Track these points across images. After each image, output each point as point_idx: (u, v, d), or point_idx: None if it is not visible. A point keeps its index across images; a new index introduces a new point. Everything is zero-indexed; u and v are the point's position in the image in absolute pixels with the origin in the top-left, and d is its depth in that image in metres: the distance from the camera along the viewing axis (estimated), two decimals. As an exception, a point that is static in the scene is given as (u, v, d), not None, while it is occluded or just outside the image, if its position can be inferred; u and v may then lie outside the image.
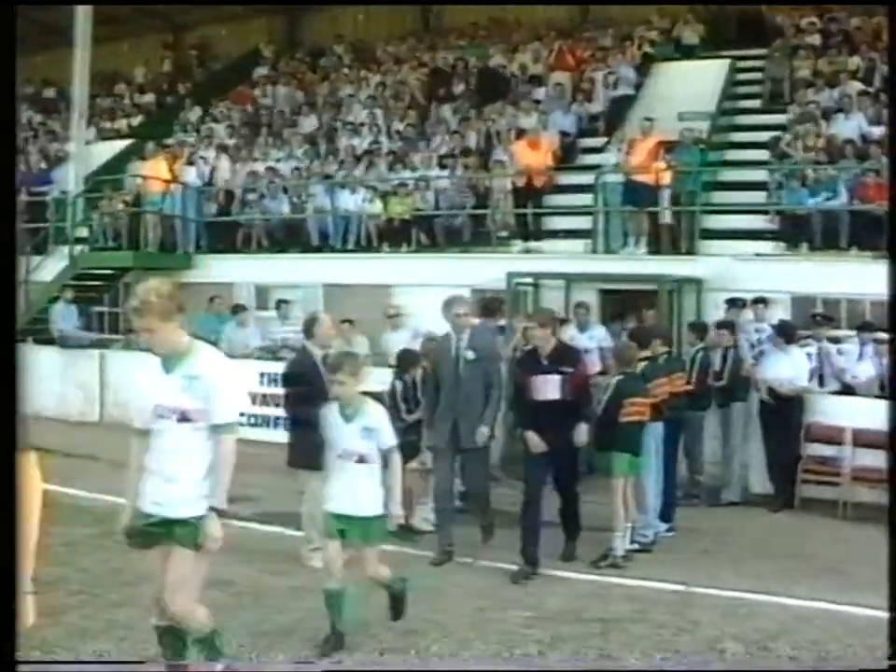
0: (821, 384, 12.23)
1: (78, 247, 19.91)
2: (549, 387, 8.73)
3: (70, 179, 22.06)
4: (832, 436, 11.61)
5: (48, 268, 19.53)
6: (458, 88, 22.11)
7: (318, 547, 8.45)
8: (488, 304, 12.97)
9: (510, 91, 21.23)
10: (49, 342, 17.88)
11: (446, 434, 9.19)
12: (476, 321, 10.52)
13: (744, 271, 14.20)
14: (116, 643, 6.60)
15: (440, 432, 9.25)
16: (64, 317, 18.09)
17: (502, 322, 13.24)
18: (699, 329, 12.36)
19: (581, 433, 8.68)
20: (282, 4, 28.38)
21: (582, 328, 13.69)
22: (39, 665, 5.94)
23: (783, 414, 11.58)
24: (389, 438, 6.67)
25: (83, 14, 22.22)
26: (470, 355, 9.05)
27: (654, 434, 9.53)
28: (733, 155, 17.56)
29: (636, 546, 9.31)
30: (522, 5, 25.40)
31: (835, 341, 12.95)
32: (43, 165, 24.16)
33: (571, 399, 8.70)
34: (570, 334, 12.93)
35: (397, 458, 6.66)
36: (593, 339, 13.56)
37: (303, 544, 8.76)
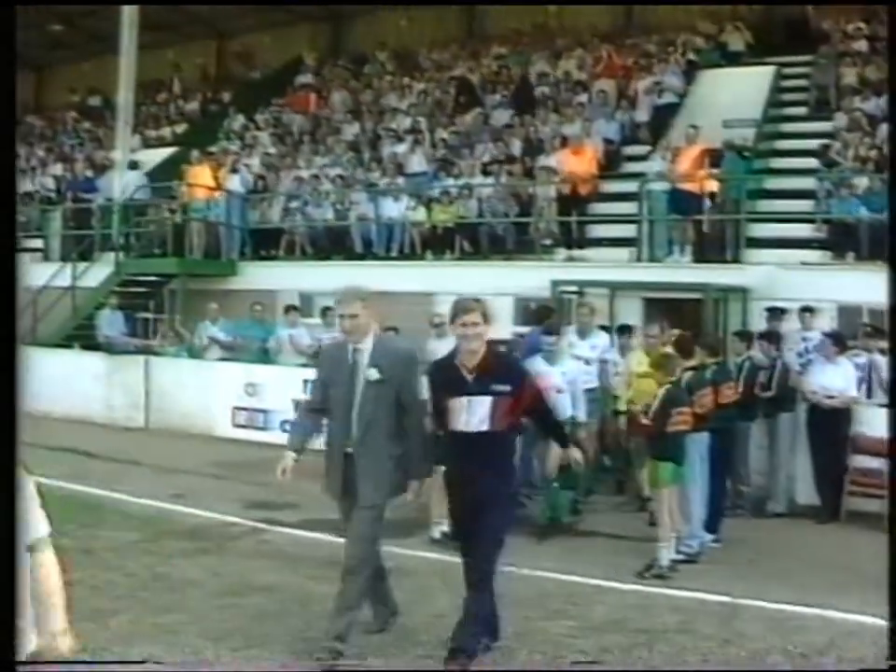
0: (869, 395, 12.09)
1: (124, 254, 20.10)
2: (473, 414, 6.35)
3: (115, 186, 22.29)
4: (878, 448, 11.47)
5: (94, 275, 19.73)
6: (494, 97, 22.12)
7: None
8: (538, 312, 12.85)
9: (542, 101, 21.23)
10: (96, 347, 18.05)
11: (339, 483, 6.72)
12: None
13: (789, 279, 14.11)
14: (164, 647, 6.62)
15: (332, 479, 6.78)
16: (110, 324, 18.25)
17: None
18: (745, 338, 12.27)
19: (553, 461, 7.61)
20: (324, 4, 28.36)
21: (583, 333, 12.48)
22: (39, 665, 5.96)
23: (831, 425, 11.45)
24: None
25: (129, 22, 22.44)
26: (374, 374, 6.57)
27: (700, 444, 9.46)
28: (778, 163, 17.45)
29: (681, 557, 9.24)
30: (566, 5, 25.38)
31: (884, 352, 12.81)
32: (89, 173, 24.34)
33: (505, 430, 6.47)
34: (569, 340, 12.04)
35: None
36: (595, 348, 12.37)
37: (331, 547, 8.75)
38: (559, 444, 7.32)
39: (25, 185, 25.71)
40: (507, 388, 6.34)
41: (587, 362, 11.65)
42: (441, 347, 13.79)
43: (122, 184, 22.03)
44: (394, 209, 18.54)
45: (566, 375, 10.53)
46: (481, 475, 6.33)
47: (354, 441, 6.61)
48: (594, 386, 11.79)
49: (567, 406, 10.28)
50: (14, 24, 3.34)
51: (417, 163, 20.03)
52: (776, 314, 13.20)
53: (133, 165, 22.90)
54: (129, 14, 22.54)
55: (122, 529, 10.01)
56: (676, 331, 11.46)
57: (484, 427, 6.34)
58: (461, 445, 6.40)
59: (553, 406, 7.23)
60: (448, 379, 6.43)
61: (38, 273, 20.45)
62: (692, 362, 9.81)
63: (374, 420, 6.57)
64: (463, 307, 6.30)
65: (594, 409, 11.59)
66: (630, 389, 10.79)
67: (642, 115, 19.49)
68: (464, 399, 6.34)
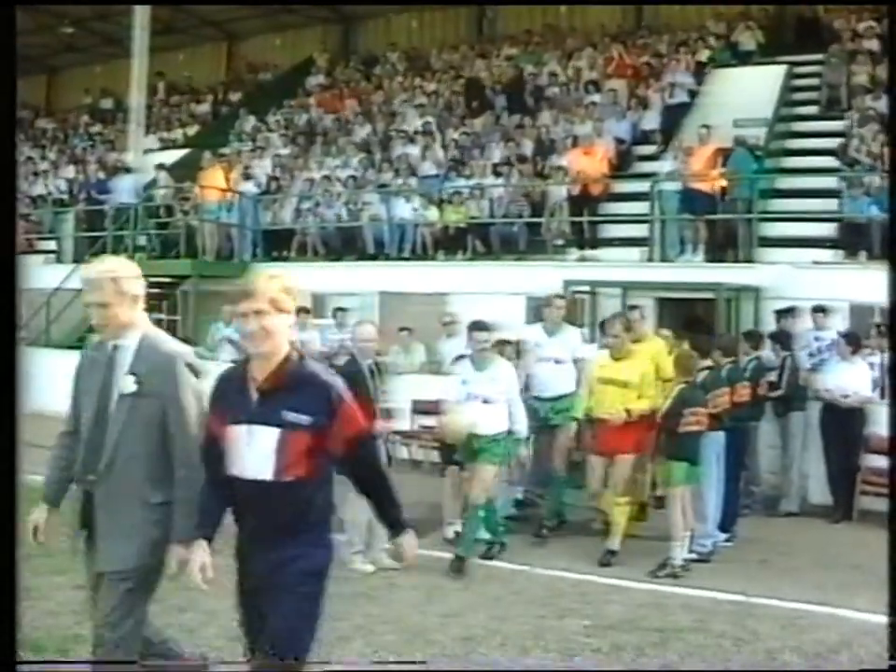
0: (883, 395, 12.08)
1: (137, 256, 20.15)
2: (253, 452, 4.20)
3: (128, 188, 22.40)
4: (890, 447, 11.45)
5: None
6: (504, 98, 22.16)
7: (360, 550, 8.58)
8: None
9: (552, 101, 21.26)
10: (109, 349, 18.08)
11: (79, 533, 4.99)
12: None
13: (802, 279, 14.09)
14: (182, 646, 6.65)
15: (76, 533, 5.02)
16: (123, 325, 18.29)
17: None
18: (753, 338, 12.26)
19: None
20: (334, 4, 28.35)
21: (550, 331, 10.66)
22: (39, 665, 6.01)
23: (844, 425, 11.46)
24: None
25: (140, 24, 22.57)
26: (129, 385, 4.74)
27: (716, 444, 9.48)
28: (790, 162, 17.43)
29: (694, 556, 9.26)
30: (576, 5, 25.40)
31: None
32: (101, 175, 24.43)
33: (303, 481, 4.22)
34: (535, 340, 10.69)
35: None
36: (565, 346, 10.57)
37: (346, 547, 8.79)
38: (385, 523, 4.63)
39: (38, 187, 25.83)
40: (305, 418, 4.17)
41: (557, 362, 10.48)
42: (451, 347, 13.88)
43: (120, 188, 22.17)
44: (406, 210, 18.56)
45: (494, 383, 9.12)
46: (262, 549, 4.28)
47: (96, 478, 4.80)
48: (567, 391, 10.35)
49: (503, 418, 9.19)
50: (14, 24, 3.36)
51: (429, 165, 20.03)
52: (787, 313, 13.19)
53: (128, 170, 23.00)
54: (140, 17, 22.68)
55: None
56: (666, 332, 11.54)
57: (266, 475, 4.18)
58: (240, 499, 4.31)
59: (377, 455, 4.63)
60: (229, 396, 4.35)
61: (51, 275, 20.54)
62: (707, 362, 9.82)
63: (125, 450, 4.71)
64: (243, 290, 4.27)
65: (566, 415, 10.18)
66: (591, 397, 9.73)
67: (653, 114, 19.44)
68: (243, 429, 4.23)
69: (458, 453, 9.39)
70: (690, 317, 13.56)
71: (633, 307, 12.29)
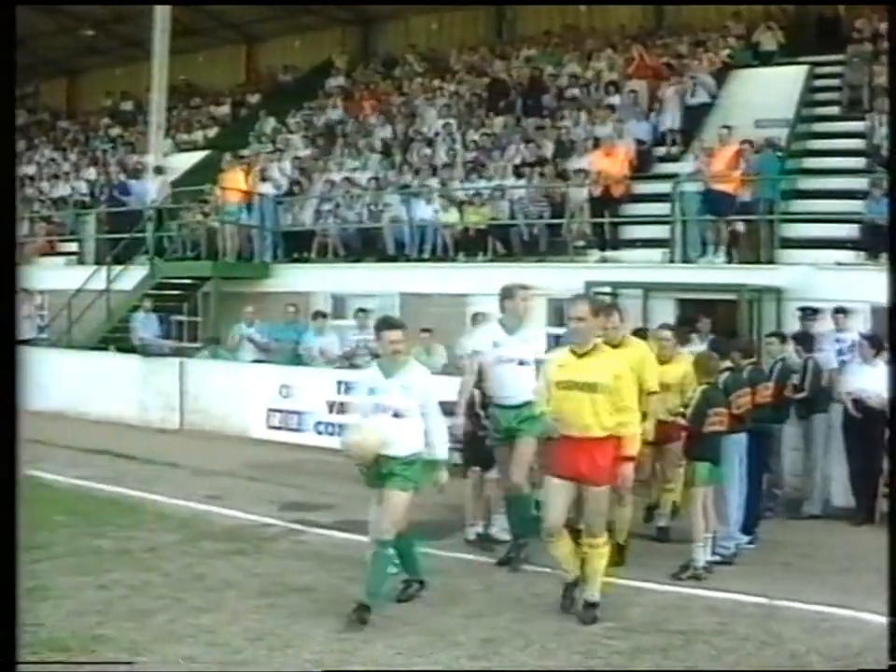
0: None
1: (158, 258, 20.25)
2: None
3: (149, 190, 22.51)
4: (890, 449, 11.37)
5: (128, 278, 19.90)
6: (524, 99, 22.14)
7: None
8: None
9: (571, 102, 21.24)
10: (131, 350, 18.20)
11: None
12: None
13: (823, 280, 14.04)
14: (203, 647, 6.68)
15: None
16: (145, 326, 18.44)
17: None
18: (778, 339, 12.21)
19: None
20: (353, 4, 28.37)
21: (510, 329, 9.25)
22: (39, 665, 6.04)
23: (867, 427, 11.36)
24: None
25: (160, 27, 22.65)
26: None
27: (738, 445, 9.44)
28: (812, 163, 17.36)
29: (717, 558, 9.22)
30: (596, 4, 25.35)
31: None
32: (122, 177, 24.53)
33: None
34: (495, 338, 9.28)
35: None
36: (526, 341, 9.27)
37: (369, 548, 8.77)
38: None
39: (59, 189, 25.96)
40: None
41: (521, 363, 9.09)
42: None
43: (149, 189, 22.28)
44: (426, 211, 18.57)
45: (407, 392, 7.66)
46: None
47: None
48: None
49: (418, 436, 7.70)
50: (14, 24, 3.38)
51: (448, 166, 20.04)
52: (808, 314, 13.14)
53: (159, 170, 23.10)
54: (161, 19, 22.76)
55: (159, 530, 10.10)
56: (666, 332, 10.46)
57: None
58: None
59: None
60: None
61: (73, 277, 20.66)
62: (727, 363, 9.79)
63: None
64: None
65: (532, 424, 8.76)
66: (547, 404, 7.81)
67: (674, 115, 19.37)
68: None
69: (364, 476, 7.79)
70: (688, 317, 13.51)
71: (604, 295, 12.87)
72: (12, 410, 3.07)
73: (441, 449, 7.76)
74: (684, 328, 11.55)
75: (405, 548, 7.84)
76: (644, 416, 8.66)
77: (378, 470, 7.58)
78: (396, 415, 7.59)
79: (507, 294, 9.27)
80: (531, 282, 9.31)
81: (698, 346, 12.07)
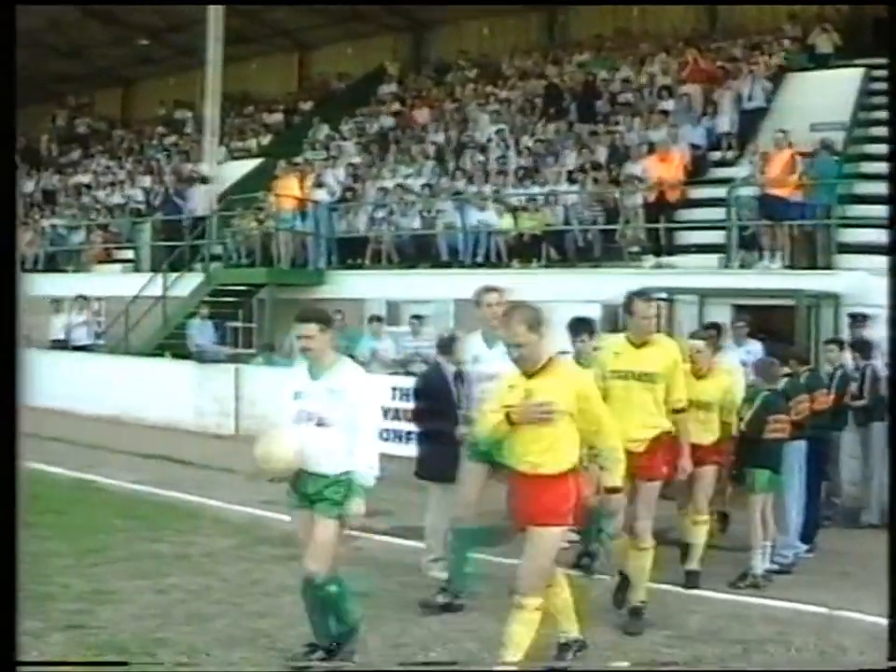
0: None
1: (213, 265, 20.43)
2: None
3: (204, 198, 22.72)
4: (891, 452, 11.20)
5: (184, 285, 20.10)
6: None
7: (439, 558, 8.50)
8: None
9: (625, 107, 21.16)
10: (186, 356, 18.37)
11: None
12: None
13: (881, 286, 13.85)
14: (262, 651, 6.72)
15: None
16: (201, 333, 18.60)
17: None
18: (837, 345, 12.10)
19: None
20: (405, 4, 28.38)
21: (490, 341, 7.83)
22: (39, 665, 6.08)
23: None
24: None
25: (214, 35, 22.86)
26: None
27: (798, 452, 9.36)
28: (869, 167, 17.17)
29: (775, 566, 9.15)
30: (649, 4, 25.22)
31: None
32: (177, 185, 24.76)
33: None
34: (475, 352, 8.07)
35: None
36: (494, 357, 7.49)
37: (425, 554, 8.79)
38: None
39: (115, 197, 26.26)
40: None
41: (490, 379, 7.41)
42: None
43: (196, 198, 22.51)
44: (480, 217, 18.58)
45: (334, 398, 6.34)
46: None
47: None
48: None
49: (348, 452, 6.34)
50: (14, 24, 3.39)
51: (502, 172, 20.04)
52: (859, 320, 13.00)
53: (204, 180, 23.32)
54: (214, 28, 22.97)
55: (216, 535, 10.17)
56: (700, 342, 9.03)
57: None
58: None
59: None
60: None
61: (129, 284, 20.89)
62: (786, 369, 9.71)
63: None
64: None
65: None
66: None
67: (729, 119, 19.25)
68: None
69: (289, 497, 6.54)
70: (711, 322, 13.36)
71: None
72: (12, 410, 3.10)
73: (363, 471, 6.28)
74: (710, 332, 10.25)
75: (335, 594, 6.41)
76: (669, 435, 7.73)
77: (301, 491, 6.39)
78: (320, 424, 6.33)
79: (476, 299, 8.06)
80: (505, 285, 8.02)
81: (735, 354, 12.01)
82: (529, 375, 6.14)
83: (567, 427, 6.11)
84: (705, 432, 8.74)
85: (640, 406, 7.54)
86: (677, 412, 7.77)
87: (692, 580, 8.73)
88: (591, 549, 9.05)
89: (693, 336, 9.41)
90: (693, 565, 8.84)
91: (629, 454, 6.81)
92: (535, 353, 6.10)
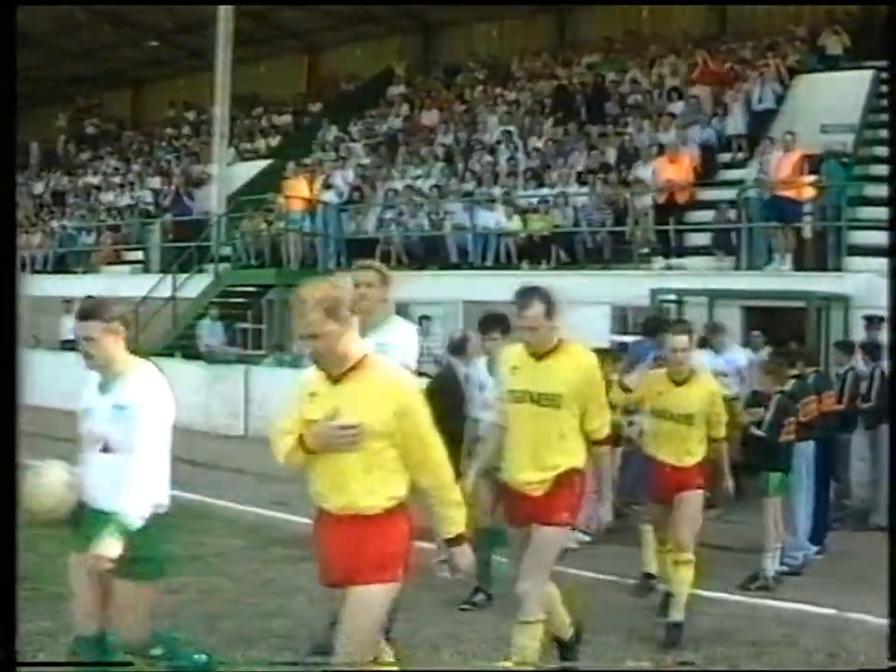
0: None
1: (223, 265, 20.46)
2: None
3: (212, 200, 22.76)
4: (891, 452, 11.19)
5: (193, 286, 20.13)
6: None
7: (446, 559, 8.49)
8: (648, 322, 11.84)
9: (635, 108, 21.18)
10: (196, 357, 18.40)
11: None
12: None
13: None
14: (274, 651, 6.74)
15: None
16: (210, 333, 18.67)
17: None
18: (847, 347, 12.10)
19: None
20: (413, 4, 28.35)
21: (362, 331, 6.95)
22: (39, 665, 6.09)
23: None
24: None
25: (223, 37, 22.90)
26: None
27: (805, 454, 9.36)
28: (879, 169, 17.15)
29: (785, 568, 9.15)
30: (659, 5, 25.22)
31: None
32: (186, 186, 24.83)
33: None
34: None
35: None
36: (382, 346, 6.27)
37: (435, 555, 8.78)
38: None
39: (124, 198, 26.32)
40: None
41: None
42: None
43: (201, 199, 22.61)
44: (489, 219, 18.60)
45: (123, 417, 5.03)
46: None
47: None
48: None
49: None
50: (14, 24, 3.38)
51: (512, 174, 20.06)
52: (874, 322, 12.99)
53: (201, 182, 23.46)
54: (223, 29, 23.00)
55: (228, 536, 10.19)
56: (683, 338, 7.63)
57: None
58: None
59: None
60: None
61: (139, 285, 20.93)
62: (794, 371, 9.71)
63: None
64: None
65: None
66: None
67: (739, 121, 19.24)
68: None
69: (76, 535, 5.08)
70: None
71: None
72: (12, 410, 3.12)
73: (126, 504, 4.86)
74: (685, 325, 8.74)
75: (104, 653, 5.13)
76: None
77: (84, 532, 4.98)
78: (105, 450, 5.03)
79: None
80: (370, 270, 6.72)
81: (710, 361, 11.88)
82: (335, 380, 4.62)
83: (385, 451, 4.57)
84: (686, 452, 7.59)
85: (541, 438, 5.98)
86: (597, 443, 6.12)
87: (673, 634, 7.27)
88: (482, 586, 7.95)
89: (672, 330, 7.87)
90: (677, 615, 7.37)
91: (523, 498, 6.01)
92: (337, 348, 4.55)
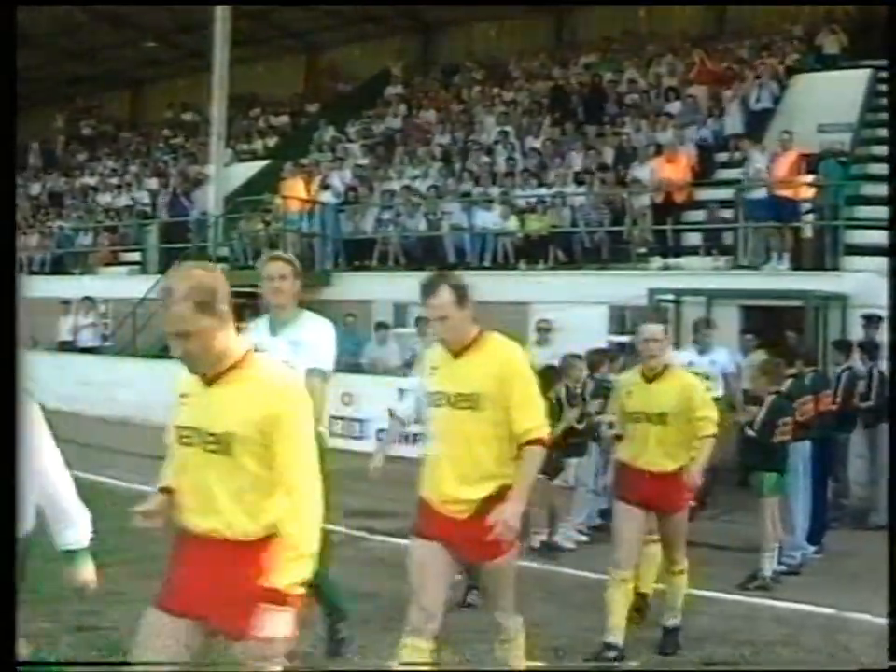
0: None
1: (220, 266, 20.44)
2: None
3: (210, 200, 22.74)
4: (891, 452, 11.20)
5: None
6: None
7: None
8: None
9: (632, 108, 21.18)
10: (194, 357, 18.36)
11: None
12: None
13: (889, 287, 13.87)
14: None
15: None
16: (209, 334, 18.59)
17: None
18: (845, 347, 12.10)
19: None
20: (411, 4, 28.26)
21: (276, 324, 6.58)
22: (39, 665, 6.08)
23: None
24: None
25: (220, 37, 22.87)
26: None
27: (802, 453, 9.36)
28: (876, 168, 17.16)
29: (783, 568, 9.15)
30: (656, 4, 25.20)
31: None
32: (184, 187, 24.81)
33: None
34: (257, 339, 5.83)
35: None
36: (297, 345, 6.27)
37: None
38: None
39: (122, 199, 26.31)
40: None
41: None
42: (541, 355, 13.81)
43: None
44: (487, 219, 18.60)
45: None
46: None
47: None
48: None
49: None
50: (14, 24, 3.36)
51: (510, 174, 20.06)
52: (873, 321, 12.99)
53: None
54: (221, 29, 22.99)
55: (226, 537, 10.16)
56: (655, 327, 7.08)
57: None
58: None
59: None
60: None
61: (136, 286, 20.90)
62: (791, 370, 9.71)
63: None
64: None
65: None
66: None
67: (736, 120, 19.25)
68: None
69: None
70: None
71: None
72: (12, 410, 3.10)
73: (65, 532, 4.60)
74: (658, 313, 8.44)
75: None
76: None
77: None
78: None
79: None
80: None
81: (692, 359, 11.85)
82: (209, 383, 3.98)
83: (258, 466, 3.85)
84: (665, 456, 6.91)
85: (461, 446, 5.22)
86: (528, 444, 5.18)
87: (670, 639, 7.17)
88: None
89: (645, 319, 7.43)
90: (672, 620, 7.21)
91: (449, 522, 5.21)
92: (213, 347, 3.92)
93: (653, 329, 6.92)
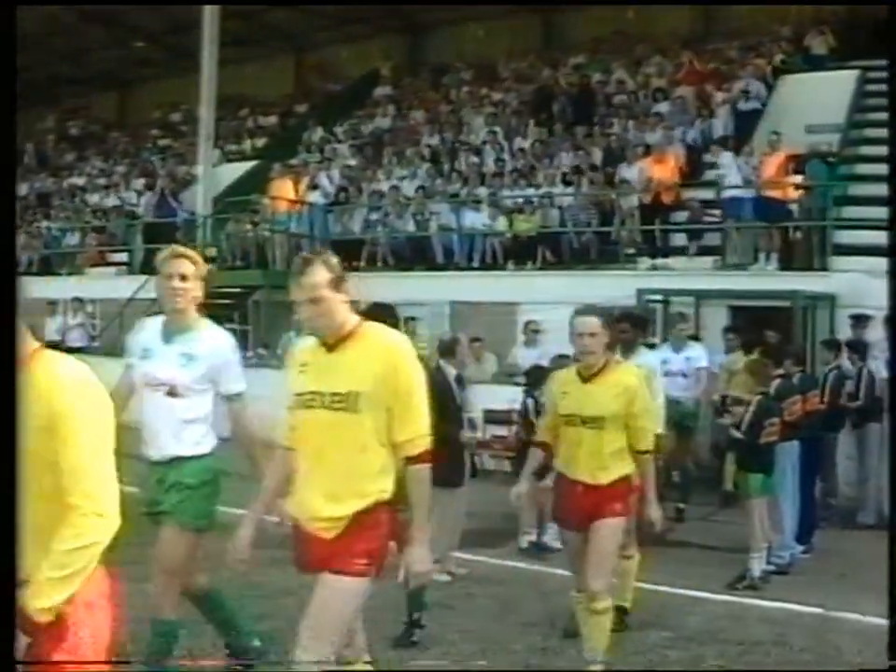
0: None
1: (208, 267, 20.39)
2: None
3: (198, 201, 22.69)
4: (891, 452, 11.24)
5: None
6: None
7: (436, 560, 8.48)
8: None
9: (620, 108, 21.19)
10: (181, 358, 18.31)
11: None
12: None
13: (877, 287, 13.89)
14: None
15: None
16: (196, 335, 18.55)
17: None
18: (833, 347, 12.13)
19: None
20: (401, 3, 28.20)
21: (170, 331, 6.01)
22: (39, 665, 6.04)
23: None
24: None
25: (209, 37, 22.82)
26: None
27: (790, 454, 9.37)
28: (864, 169, 17.20)
29: (772, 567, 9.16)
30: (645, 4, 25.20)
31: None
32: (172, 187, 24.74)
33: None
34: (145, 344, 5.92)
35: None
36: (191, 358, 5.79)
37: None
38: None
39: (109, 200, 26.23)
40: None
41: (172, 392, 5.97)
42: (528, 356, 13.85)
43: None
44: (475, 219, 18.60)
45: None
46: None
47: None
48: None
49: None
50: (14, 24, 3.34)
51: (498, 175, 20.06)
52: (861, 321, 13.03)
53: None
54: (210, 29, 22.94)
55: (215, 538, 10.12)
56: (592, 320, 6.04)
57: None
58: None
59: None
60: None
61: (124, 286, 20.85)
62: (779, 370, 9.72)
63: None
64: None
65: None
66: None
67: (724, 121, 19.28)
68: None
69: None
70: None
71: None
72: (12, 411, 3.07)
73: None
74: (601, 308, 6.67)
75: None
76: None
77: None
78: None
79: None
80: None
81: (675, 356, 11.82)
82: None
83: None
84: (599, 467, 6.10)
85: (333, 455, 4.46)
86: (409, 461, 4.45)
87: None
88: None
89: (579, 311, 6.16)
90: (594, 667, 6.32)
91: (312, 540, 4.59)
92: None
93: (589, 321, 5.96)
